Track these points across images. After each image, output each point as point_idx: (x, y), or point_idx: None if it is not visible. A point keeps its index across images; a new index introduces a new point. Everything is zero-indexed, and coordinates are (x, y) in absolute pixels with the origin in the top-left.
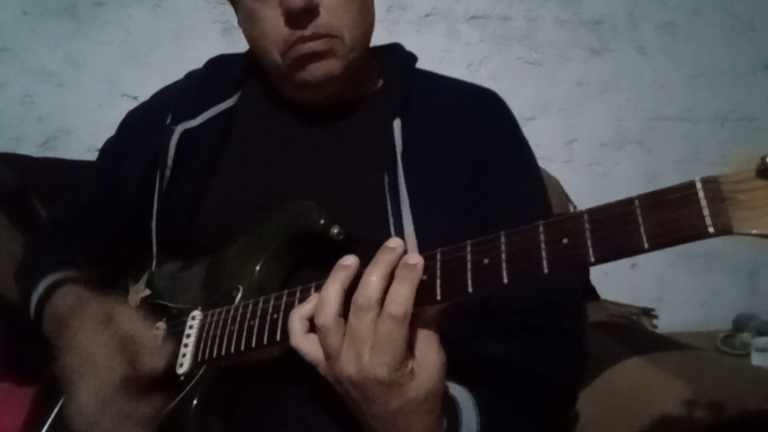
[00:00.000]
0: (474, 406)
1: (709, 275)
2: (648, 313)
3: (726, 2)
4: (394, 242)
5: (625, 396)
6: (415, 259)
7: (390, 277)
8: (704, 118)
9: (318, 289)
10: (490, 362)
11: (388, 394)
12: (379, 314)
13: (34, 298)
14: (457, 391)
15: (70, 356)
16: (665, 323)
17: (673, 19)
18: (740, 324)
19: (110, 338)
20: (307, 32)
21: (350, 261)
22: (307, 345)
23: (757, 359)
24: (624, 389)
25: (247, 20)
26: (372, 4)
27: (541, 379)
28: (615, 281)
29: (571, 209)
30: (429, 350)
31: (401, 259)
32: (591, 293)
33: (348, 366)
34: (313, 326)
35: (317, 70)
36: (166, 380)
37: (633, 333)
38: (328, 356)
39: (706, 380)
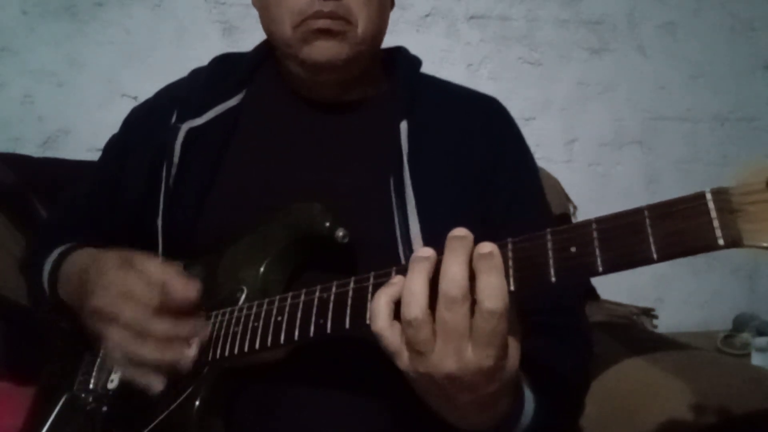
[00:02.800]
0: (527, 388)
1: (709, 275)
2: (648, 313)
3: (726, 2)
4: (461, 231)
5: (625, 396)
6: (489, 247)
7: (468, 267)
8: (704, 118)
9: (358, 282)
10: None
11: (490, 380)
12: (471, 306)
13: (47, 268)
14: None
15: (101, 293)
16: (665, 323)
17: (673, 19)
18: (740, 324)
19: (139, 273)
20: (326, 8)
21: (430, 252)
22: (392, 333)
23: (757, 359)
24: (624, 389)
25: None
26: (388, 10)
27: (565, 372)
28: (615, 281)
29: (571, 209)
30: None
31: (475, 251)
32: (591, 293)
33: (447, 363)
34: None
35: (325, 48)
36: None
37: (633, 333)
38: (418, 352)
39: (706, 380)
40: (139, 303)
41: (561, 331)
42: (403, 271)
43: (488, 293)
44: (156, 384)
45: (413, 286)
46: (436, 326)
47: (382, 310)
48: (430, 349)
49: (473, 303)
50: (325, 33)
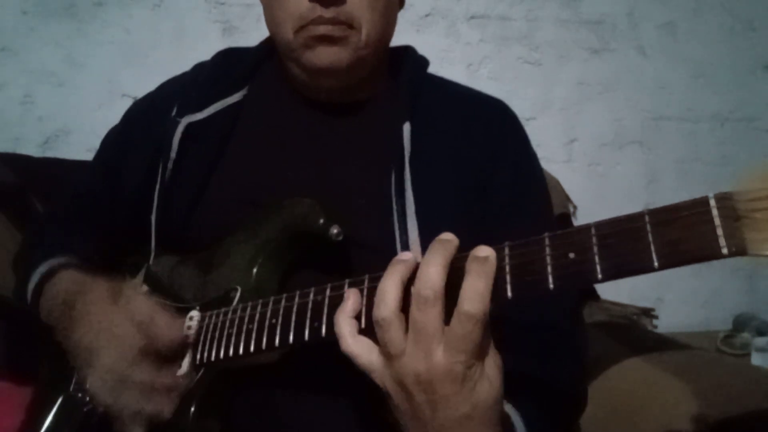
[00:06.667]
0: (521, 421)
1: (709, 275)
2: (648, 313)
3: (726, 2)
4: (446, 235)
5: (625, 396)
6: (486, 251)
7: (448, 269)
8: (704, 118)
9: (352, 285)
10: (510, 377)
11: (461, 394)
12: (443, 307)
13: (33, 279)
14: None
15: (84, 331)
16: (665, 323)
17: (673, 19)
18: (740, 324)
19: (125, 312)
20: (327, 13)
21: (408, 256)
22: (360, 347)
23: (757, 359)
24: (624, 389)
25: None
26: (396, 11)
27: (558, 397)
28: (615, 281)
29: (571, 209)
30: (491, 348)
31: (471, 253)
32: (591, 293)
33: (416, 363)
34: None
35: (326, 55)
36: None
37: (633, 333)
38: (390, 355)
39: (706, 380)
40: (121, 345)
41: (550, 349)
42: (355, 283)
43: (470, 296)
44: None
45: (384, 287)
46: (409, 327)
47: (344, 329)
48: (401, 351)
49: (453, 306)
50: (327, 39)
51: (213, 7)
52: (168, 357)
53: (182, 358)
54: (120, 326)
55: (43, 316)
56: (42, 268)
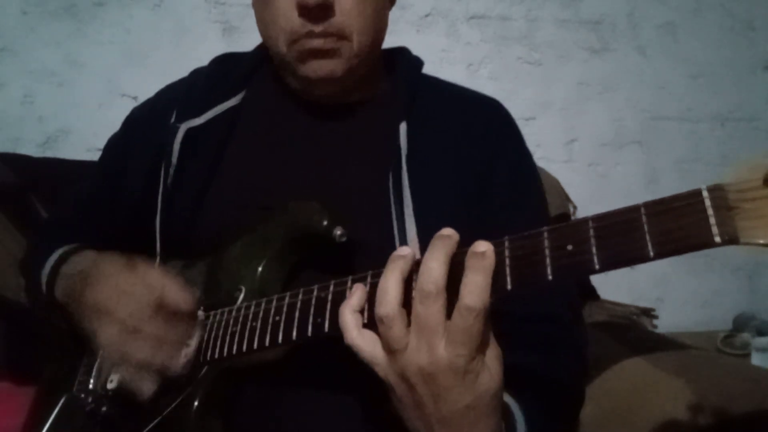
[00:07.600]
0: (520, 411)
1: (709, 275)
2: (648, 313)
3: (726, 2)
4: (447, 230)
5: (625, 396)
6: (484, 246)
7: (449, 265)
8: (704, 118)
9: (355, 281)
10: (510, 370)
11: (463, 386)
12: (445, 302)
13: (47, 267)
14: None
15: (98, 291)
16: (665, 323)
17: (673, 19)
18: (740, 324)
19: (139, 276)
20: (317, 28)
21: (407, 251)
22: (364, 341)
23: (757, 359)
24: (624, 389)
25: (261, 2)
26: (386, 12)
27: (558, 390)
28: (615, 281)
29: (571, 209)
30: (491, 341)
31: (470, 248)
32: (591, 293)
33: (419, 357)
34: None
35: (319, 68)
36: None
37: (633, 333)
38: (392, 350)
39: (706, 380)
40: (135, 302)
41: (553, 343)
42: (359, 279)
43: (470, 290)
44: (146, 388)
45: (386, 284)
46: (411, 322)
47: (349, 322)
48: (404, 346)
49: (454, 300)
50: (320, 53)
51: (213, 7)
52: (179, 317)
53: (192, 326)
54: (134, 286)
55: (58, 295)
56: (56, 254)
